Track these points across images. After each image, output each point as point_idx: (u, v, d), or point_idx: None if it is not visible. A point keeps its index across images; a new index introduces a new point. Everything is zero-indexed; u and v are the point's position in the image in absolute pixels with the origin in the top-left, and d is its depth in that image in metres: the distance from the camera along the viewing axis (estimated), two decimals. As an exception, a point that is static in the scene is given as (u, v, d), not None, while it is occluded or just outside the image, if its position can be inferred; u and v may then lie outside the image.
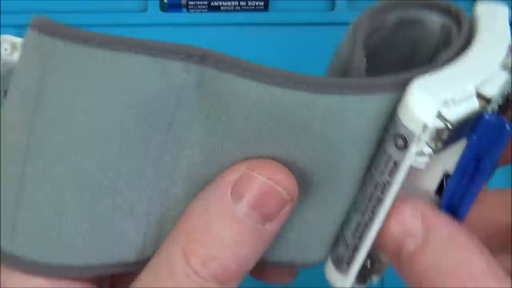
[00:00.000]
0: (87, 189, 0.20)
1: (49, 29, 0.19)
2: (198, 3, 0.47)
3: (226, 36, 0.48)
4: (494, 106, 0.20)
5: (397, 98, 0.20)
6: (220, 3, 0.48)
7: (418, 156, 0.19)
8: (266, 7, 0.48)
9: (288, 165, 0.20)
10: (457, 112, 0.19)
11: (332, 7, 0.48)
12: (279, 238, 0.22)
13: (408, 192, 0.21)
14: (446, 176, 0.21)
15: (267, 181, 0.19)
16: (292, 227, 0.22)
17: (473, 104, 0.19)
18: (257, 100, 0.20)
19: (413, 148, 0.19)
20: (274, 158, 0.20)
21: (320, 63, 0.50)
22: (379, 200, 0.20)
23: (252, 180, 0.19)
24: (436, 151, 0.19)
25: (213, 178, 0.20)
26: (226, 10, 0.48)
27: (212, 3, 0.47)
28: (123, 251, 0.21)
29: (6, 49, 0.47)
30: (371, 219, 0.21)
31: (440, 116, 0.19)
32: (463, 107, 0.19)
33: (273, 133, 0.20)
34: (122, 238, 0.21)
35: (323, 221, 0.22)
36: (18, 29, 0.47)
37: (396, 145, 0.19)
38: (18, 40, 0.47)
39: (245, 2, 0.48)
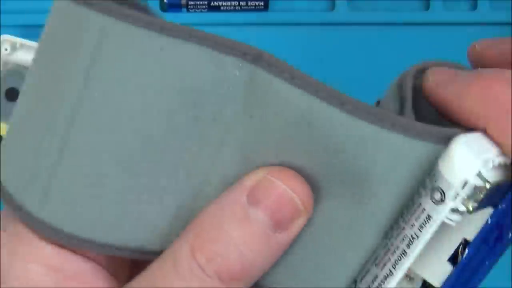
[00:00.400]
0: (126, 167, 0.20)
1: (107, 9, 0.20)
2: (198, 3, 0.47)
3: (226, 36, 0.48)
4: None
5: (437, 151, 0.20)
6: (220, 3, 0.48)
7: (452, 213, 0.19)
8: (266, 7, 0.48)
9: (312, 183, 0.20)
10: (493, 175, 0.19)
11: (332, 7, 0.48)
12: (286, 269, 0.21)
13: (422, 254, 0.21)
14: (464, 243, 0.21)
15: (285, 188, 0.19)
16: (302, 263, 0.21)
17: (508, 172, 0.20)
18: (303, 111, 0.20)
19: (450, 204, 0.19)
20: (302, 173, 0.20)
21: (320, 63, 0.50)
22: (404, 254, 0.20)
23: (270, 185, 0.19)
24: (470, 211, 0.19)
25: None
26: (226, 10, 0.48)
27: (212, 3, 0.47)
28: (147, 238, 0.21)
29: (6, 49, 0.47)
30: (391, 273, 0.21)
31: (480, 175, 0.19)
32: (499, 172, 0.19)
33: (308, 147, 0.20)
34: (149, 224, 0.21)
35: (336, 267, 0.21)
36: (18, 29, 0.47)
37: (433, 199, 0.20)
38: (18, 40, 0.47)
39: (245, 2, 0.48)
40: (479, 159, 0.19)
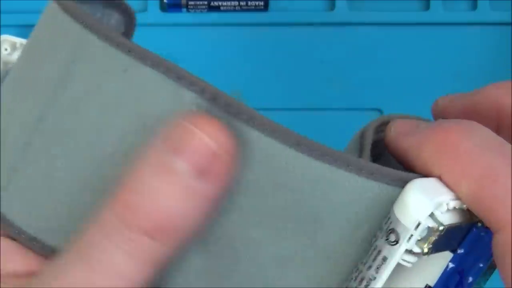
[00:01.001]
0: (74, 178, 0.21)
1: (82, 18, 0.21)
2: (198, 3, 0.47)
3: (226, 36, 0.48)
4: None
5: (392, 193, 0.20)
6: (220, 3, 0.48)
7: (407, 254, 0.20)
8: (266, 7, 0.48)
9: (263, 214, 0.20)
10: (449, 218, 0.20)
11: (332, 7, 0.49)
12: None
13: None
14: None
15: (202, 135, 0.19)
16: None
17: (465, 215, 0.20)
18: (260, 151, 0.20)
19: (404, 245, 0.20)
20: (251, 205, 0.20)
21: (320, 63, 0.50)
22: None
23: (188, 133, 0.19)
24: (424, 252, 0.20)
25: None
26: (226, 10, 0.48)
27: (212, 3, 0.47)
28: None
29: (6, 49, 0.47)
30: None
31: (433, 216, 0.20)
32: (455, 215, 0.20)
33: (264, 185, 0.20)
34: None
35: None
36: (18, 29, 0.47)
37: (388, 240, 0.20)
38: (18, 40, 0.47)
39: (245, 2, 0.48)
40: (432, 201, 0.19)
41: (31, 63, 0.23)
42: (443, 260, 0.21)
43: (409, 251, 0.20)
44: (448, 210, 0.20)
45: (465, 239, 0.20)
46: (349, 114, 0.48)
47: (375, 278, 0.20)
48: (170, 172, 0.19)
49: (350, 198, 0.20)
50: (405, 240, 0.20)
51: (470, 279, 0.21)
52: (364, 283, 0.21)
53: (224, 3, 0.47)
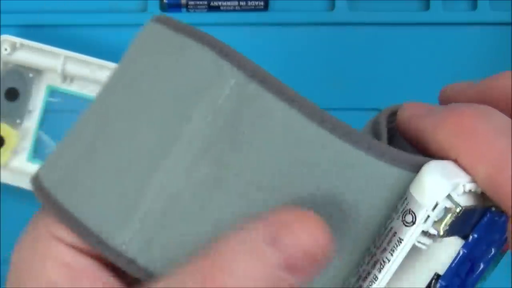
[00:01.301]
0: (124, 149, 0.21)
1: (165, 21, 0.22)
2: (198, 3, 0.47)
3: (226, 36, 0.48)
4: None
5: (410, 178, 0.20)
6: (220, 3, 0.48)
7: (423, 236, 0.20)
8: (266, 7, 0.48)
9: (286, 193, 0.20)
10: (465, 201, 0.20)
11: (332, 7, 0.49)
12: None
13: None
14: (436, 278, 0.21)
15: (306, 237, 0.19)
16: None
17: (479, 200, 0.20)
18: (284, 123, 0.20)
19: (421, 226, 0.20)
20: (275, 184, 0.20)
21: (320, 63, 0.50)
22: (375, 279, 0.20)
23: (292, 229, 0.19)
24: (440, 234, 0.20)
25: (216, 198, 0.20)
26: (226, 10, 0.48)
27: (212, 3, 0.47)
28: (111, 229, 0.21)
29: (6, 49, 0.47)
30: None
31: (450, 198, 0.19)
32: (470, 198, 0.20)
33: (287, 159, 0.20)
34: (118, 214, 0.21)
35: None
36: (18, 29, 0.47)
37: (404, 221, 0.20)
38: (18, 40, 0.47)
39: (245, 2, 0.48)
40: (449, 182, 0.19)
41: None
42: (453, 247, 0.21)
43: (425, 233, 0.20)
44: (464, 192, 0.20)
45: (479, 223, 0.20)
46: (349, 114, 0.48)
47: (389, 260, 0.20)
48: (260, 259, 0.19)
49: (368, 182, 0.20)
50: (422, 221, 0.19)
51: (482, 265, 0.21)
52: (378, 266, 0.20)
53: (224, 3, 0.47)
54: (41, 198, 0.21)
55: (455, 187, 0.19)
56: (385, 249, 0.20)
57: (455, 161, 0.20)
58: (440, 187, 0.19)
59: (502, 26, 0.48)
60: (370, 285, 0.21)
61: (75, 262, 0.21)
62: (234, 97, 0.20)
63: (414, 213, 0.20)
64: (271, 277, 0.19)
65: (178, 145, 0.20)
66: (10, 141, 0.46)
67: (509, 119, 0.20)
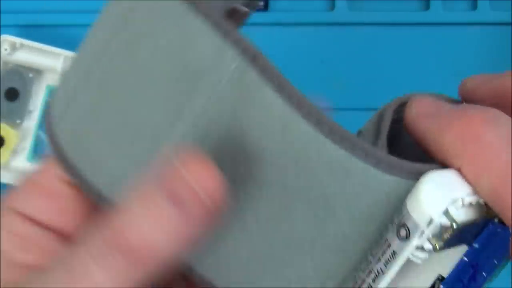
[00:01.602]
0: (121, 109, 0.21)
1: None
2: (198, 3, 0.47)
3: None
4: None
5: (407, 186, 0.20)
6: (220, 3, 0.48)
7: (417, 250, 0.19)
8: (266, 7, 0.48)
9: (275, 192, 0.20)
10: (464, 214, 0.19)
11: (332, 7, 0.49)
12: (242, 274, 0.21)
13: None
14: (440, 279, 0.20)
15: (193, 182, 0.20)
16: (260, 272, 0.21)
17: (481, 210, 0.19)
18: (282, 122, 0.20)
19: (415, 241, 0.19)
20: (267, 180, 0.20)
21: (320, 63, 0.50)
22: None
23: (180, 179, 0.20)
24: (436, 249, 0.19)
25: None
26: (226, 10, 0.48)
27: (212, 3, 0.47)
28: (120, 191, 0.22)
29: (6, 49, 0.47)
30: None
31: (447, 213, 0.19)
32: (472, 211, 0.19)
33: (279, 157, 0.20)
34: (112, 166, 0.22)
35: (295, 282, 0.21)
36: (18, 29, 0.47)
37: (398, 235, 0.19)
38: (18, 40, 0.47)
39: (245, 2, 0.48)
40: (447, 197, 0.19)
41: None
42: (457, 253, 0.20)
43: (420, 247, 0.19)
44: (463, 206, 0.19)
45: (481, 234, 0.20)
46: (349, 114, 0.48)
47: (383, 272, 0.20)
48: (156, 208, 0.20)
49: (364, 190, 0.20)
50: (416, 236, 0.19)
51: (484, 274, 0.20)
52: (372, 276, 0.20)
53: (224, 3, 0.47)
54: (55, 152, 0.23)
55: (453, 202, 0.19)
56: (379, 260, 0.20)
57: (459, 169, 0.19)
58: (436, 203, 0.19)
59: (502, 26, 0.48)
60: None
61: (28, 232, 0.23)
62: (234, 83, 0.20)
63: (408, 229, 0.19)
64: (167, 226, 0.20)
65: (181, 121, 0.20)
66: (10, 141, 0.46)
67: None
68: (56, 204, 0.23)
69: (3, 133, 0.46)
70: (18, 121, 0.47)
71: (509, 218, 0.19)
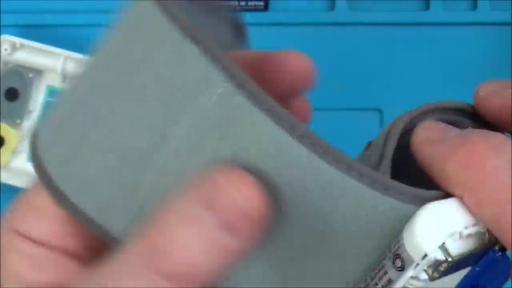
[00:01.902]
0: (110, 129, 0.21)
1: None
2: (198, 3, 0.47)
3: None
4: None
5: (406, 210, 0.20)
6: (220, 3, 0.48)
7: (413, 279, 0.19)
8: (266, 7, 0.48)
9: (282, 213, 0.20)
10: (462, 246, 0.19)
11: (332, 7, 0.49)
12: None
13: None
14: None
15: (237, 193, 0.19)
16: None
17: (482, 238, 0.19)
18: (275, 146, 0.20)
19: (409, 273, 0.19)
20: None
21: (320, 64, 0.50)
22: None
23: (223, 188, 0.19)
24: (432, 279, 0.19)
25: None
26: (226, 10, 0.48)
27: (212, 3, 0.47)
28: (109, 216, 0.21)
29: (6, 49, 0.47)
30: None
31: (442, 247, 0.19)
32: (470, 241, 0.19)
33: (277, 178, 0.20)
34: (114, 200, 0.21)
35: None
36: (18, 29, 0.47)
37: (394, 264, 0.19)
38: (18, 40, 0.47)
39: (245, 2, 0.48)
40: (443, 232, 0.19)
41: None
42: (458, 276, 0.20)
43: (415, 277, 0.19)
44: (460, 237, 0.19)
45: (481, 260, 0.20)
46: (349, 114, 0.48)
47: None
48: (199, 224, 0.19)
49: (360, 209, 0.20)
50: (411, 268, 0.19)
51: None
52: None
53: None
54: (41, 179, 0.22)
55: (450, 235, 0.19)
56: (376, 284, 0.20)
57: (461, 198, 0.19)
58: (431, 238, 0.19)
59: (502, 26, 0.48)
60: None
61: (39, 254, 0.22)
62: (220, 107, 0.20)
63: (403, 259, 0.19)
64: (211, 240, 0.19)
65: (165, 147, 0.20)
66: (10, 141, 0.46)
67: None
68: (55, 225, 0.22)
69: (3, 133, 0.46)
70: (18, 121, 0.47)
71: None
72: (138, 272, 0.19)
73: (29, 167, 0.46)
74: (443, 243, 0.19)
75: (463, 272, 0.20)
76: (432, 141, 0.21)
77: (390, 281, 0.20)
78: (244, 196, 0.19)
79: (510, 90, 0.22)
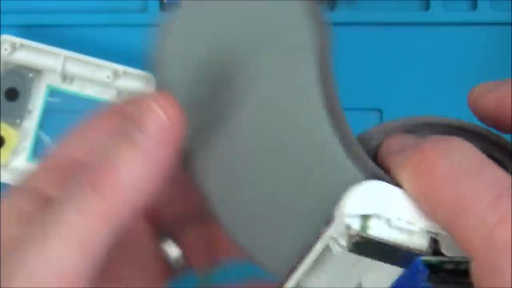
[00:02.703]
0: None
1: None
2: (198, 3, 0.47)
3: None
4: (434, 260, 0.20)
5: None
6: (220, 3, 0.47)
7: (335, 243, 0.20)
8: (266, 7, 0.48)
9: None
10: (386, 233, 0.20)
11: (333, 7, 0.48)
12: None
13: None
14: None
15: (162, 115, 0.21)
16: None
17: (421, 240, 0.20)
18: None
19: (330, 231, 0.20)
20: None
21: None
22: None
23: (150, 110, 0.21)
24: (349, 249, 0.20)
25: None
26: (226, 10, 0.48)
27: (212, 3, 0.47)
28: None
29: (6, 49, 0.47)
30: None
31: (363, 220, 0.19)
32: (399, 236, 0.20)
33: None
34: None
35: None
36: (18, 29, 0.47)
37: (326, 224, 0.20)
38: (18, 40, 0.47)
39: (245, 2, 0.48)
40: (371, 208, 0.19)
41: None
42: (383, 271, 0.21)
43: (336, 240, 0.20)
44: (390, 226, 0.19)
45: (406, 264, 0.20)
46: (349, 114, 0.48)
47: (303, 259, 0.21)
48: (129, 141, 0.20)
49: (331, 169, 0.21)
50: (333, 226, 0.20)
51: None
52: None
53: (224, 3, 0.47)
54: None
55: (378, 216, 0.19)
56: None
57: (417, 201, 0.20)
58: (356, 206, 0.20)
59: (502, 26, 0.48)
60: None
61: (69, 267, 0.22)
62: None
63: (331, 220, 0.20)
64: (141, 155, 0.20)
65: None
66: (10, 141, 0.46)
67: (474, 154, 0.19)
68: None
69: (3, 133, 0.46)
70: (18, 121, 0.47)
71: (465, 250, 0.19)
72: (72, 191, 0.20)
73: (29, 167, 0.46)
74: (366, 217, 0.19)
75: (390, 271, 0.20)
76: (392, 153, 0.22)
77: (317, 239, 0.20)
78: (166, 113, 0.21)
79: (503, 88, 0.23)
